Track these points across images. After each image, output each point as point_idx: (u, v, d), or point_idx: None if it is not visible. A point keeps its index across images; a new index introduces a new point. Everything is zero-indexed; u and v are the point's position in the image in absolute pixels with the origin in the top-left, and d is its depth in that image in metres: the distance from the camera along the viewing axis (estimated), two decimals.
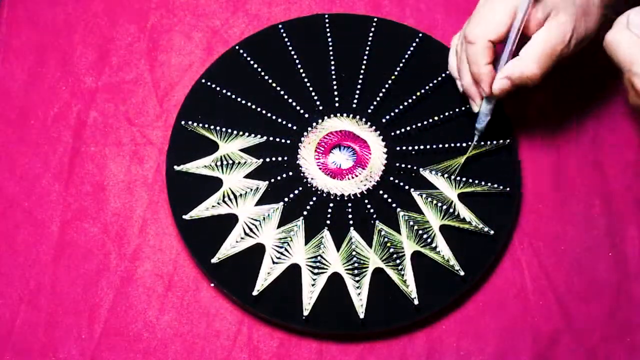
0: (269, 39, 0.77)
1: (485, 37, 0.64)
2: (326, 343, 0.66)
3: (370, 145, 0.72)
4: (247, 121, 0.73)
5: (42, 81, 0.76)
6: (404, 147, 0.72)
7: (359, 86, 0.74)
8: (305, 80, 0.75)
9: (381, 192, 0.70)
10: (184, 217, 0.68)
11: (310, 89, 0.74)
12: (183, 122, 0.72)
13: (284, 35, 0.77)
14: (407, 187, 0.70)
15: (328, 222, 0.68)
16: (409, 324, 0.66)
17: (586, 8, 0.64)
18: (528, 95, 0.75)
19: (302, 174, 0.71)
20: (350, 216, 0.69)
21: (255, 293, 0.65)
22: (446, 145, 0.71)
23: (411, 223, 0.68)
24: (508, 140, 0.72)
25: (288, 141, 0.72)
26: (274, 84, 0.74)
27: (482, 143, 0.71)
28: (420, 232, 0.68)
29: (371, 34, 0.77)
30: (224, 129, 0.72)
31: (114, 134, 0.74)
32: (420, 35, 0.77)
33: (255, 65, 0.75)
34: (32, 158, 0.73)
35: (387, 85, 0.74)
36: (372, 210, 0.69)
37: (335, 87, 0.75)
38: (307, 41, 0.77)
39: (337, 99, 0.74)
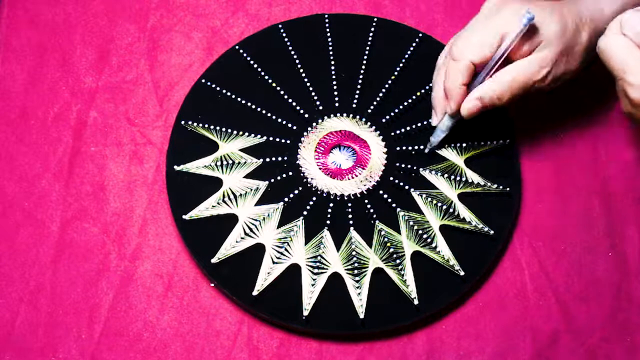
0: (269, 39, 0.77)
1: (471, 58, 0.64)
2: (326, 343, 0.66)
3: (370, 145, 0.72)
4: (247, 121, 0.73)
5: (42, 81, 0.76)
6: (404, 147, 0.72)
7: (359, 86, 0.74)
8: (305, 80, 0.75)
9: (381, 192, 0.70)
10: (184, 217, 0.68)
11: (310, 89, 0.74)
12: (183, 122, 0.72)
13: (284, 35, 0.77)
14: (407, 187, 0.70)
15: (328, 222, 0.68)
16: (409, 324, 0.66)
17: (571, 49, 0.64)
18: (529, 95, 0.75)
19: (302, 174, 0.71)
20: (350, 216, 0.69)
21: (255, 293, 0.65)
22: (446, 145, 0.71)
23: (411, 223, 0.68)
24: (508, 140, 0.72)
25: (288, 141, 0.72)
26: (274, 84, 0.74)
27: (482, 143, 0.71)
28: (420, 232, 0.68)
29: (371, 34, 0.77)
30: (224, 129, 0.72)
31: (114, 134, 0.74)
32: (420, 35, 0.77)
33: (255, 65, 0.75)
34: (32, 158, 0.73)
35: (387, 85, 0.74)
36: (372, 210, 0.69)
37: (335, 87, 0.75)
38: (307, 41, 0.77)
39: (337, 99, 0.74)
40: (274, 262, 0.67)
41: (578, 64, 0.66)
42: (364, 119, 0.73)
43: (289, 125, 0.73)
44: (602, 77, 0.61)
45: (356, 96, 0.74)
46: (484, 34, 0.64)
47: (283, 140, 0.72)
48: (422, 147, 0.71)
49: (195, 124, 0.72)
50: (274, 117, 0.73)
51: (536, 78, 0.64)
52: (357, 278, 0.66)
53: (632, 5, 0.65)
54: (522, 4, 0.64)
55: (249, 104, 0.73)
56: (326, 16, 0.78)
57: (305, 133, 0.72)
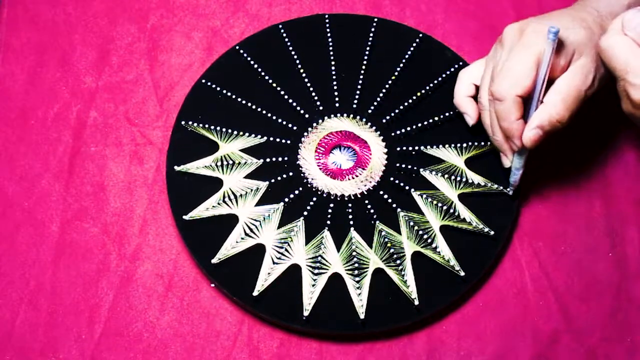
0: (269, 39, 0.77)
1: (513, 92, 0.62)
2: (326, 343, 0.66)
3: (370, 145, 0.72)
4: (247, 121, 0.73)
5: (42, 81, 0.76)
6: (404, 148, 0.72)
7: (359, 86, 0.74)
8: (305, 80, 0.75)
9: (381, 192, 0.70)
10: (184, 217, 0.68)
11: (310, 89, 0.74)
12: (183, 122, 0.72)
13: (284, 35, 0.77)
14: (407, 188, 0.70)
15: (328, 222, 0.68)
16: (409, 324, 0.66)
17: None
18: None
19: (302, 174, 0.71)
20: (350, 216, 0.69)
21: (255, 293, 0.65)
22: (446, 146, 0.71)
23: (411, 223, 0.68)
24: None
25: (288, 141, 0.72)
26: (274, 84, 0.74)
27: (482, 143, 0.71)
28: (421, 232, 0.68)
29: (371, 34, 0.77)
30: (224, 129, 0.72)
31: (114, 134, 0.74)
32: (420, 35, 0.77)
33: (255, 65, 0.75)
34: (32, 158, 0.73)
35: (387, 85, 0.74)
36: (372, 211, 0.69)
37: (335, 87, 0.75)
38: (307, 41, 0.77)
39: (337, 99, 0.74)
40: (274, 263, 0.67)
41: None
42: (364, 119, 0.73)
43: (289, 125, 0.73)
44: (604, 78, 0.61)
45: (356, 96, 0.74)
46: (518, 66, 0.62)
47: (283, 141, 0.72)
48: (422, 147, 0.72)
49: (195, 124, 0.72)
50: (274, 117, 0.73)
51: (586, 87, 0.63)
52: (357, 278, 0.66)
53: None
54: (539, 21, 0.63)
55: (249, 104, 0.73)
56: (326, 16, 0.78)
57: (305, 133, 0.72)
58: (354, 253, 0.67)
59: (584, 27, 0.63)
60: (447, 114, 0.73)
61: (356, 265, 0.67)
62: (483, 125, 0.68)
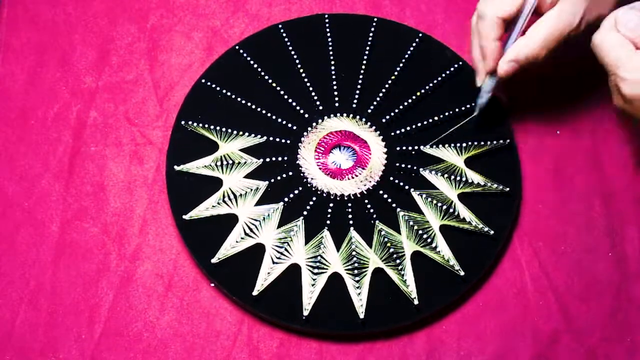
0: (269, 39, 0.77)
1: (494, 13, 0.64)
2: (326, 343, 0.66)
3: (370, 145, 0.72)
4: (247, 121, 0.73)
5: (42, 81, 0.76)
6: (404, 147, 0.72)
7: (359, 86, 0.74)
8: (305, 80, 0.75)
9: (381, 192, 0.70)
10: (184, 217, 0.68)
11: (310, 89, 0.74)
12: (183, 122, 0.72)
13: (284, 35, 0.77)
14: (407, 187, 0.70)
15: (328, 222, 0.68)
16: (409, 324, 0.66)
17: None
18: (529, 95, 0.75)
19: (302, 174, 0.71)
20: (350, 216, 0.69)
21: (255, 293, 0.65)
22: (446, 145, 0.71)
23: (411, 223, 0.68)
24: (508, 140, 0.72)
25: (288, 141, 0.72)
26: (274, 84, 0.74)
27: (482, 143, 0.71)
28: (420, 232, 0.68)
29: (371, 34, 0.77)
30: (224, 129, 0.72)
31: (114, 134, 0.74)
32: (420, 35, 0.77)
33: (255, 65, 0.75)
34: (32, 158, 0.73)
35: (387, 85, 0.74)
36: (372, 210, 0.69)
37: (335, 87, 0.75)
38: (307, 41, 0.77)
39: (337, 99, 0.74)
40: (274, 262, 0.67)
41: (611, 6, 0.64)
42: (364, 119, 0.73)
43: (289, 125, 0.73)
44: (603, 78, 0.61)
45: (356, 96, 0.74)
46: None
47: (283, 140, 0.72)
48: (422, 147, 0.72)
49: (195, 124, 0.72)
50: (274, 117, 0.73)
51: (570, 28, 0.63)
52: (357, 278, 0.66)
53: None
54: None
55: (249, 104, 0.73)
56: (326, 16, 0.78)
57: (305, 133, 0.72)
58: (353, 253, 0.67)
59: None
60: (447, 114, 0.73)
61: (356, 265, 0.66)
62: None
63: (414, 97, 0.74)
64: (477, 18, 0.66)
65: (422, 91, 0.74)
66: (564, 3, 0.63)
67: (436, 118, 0.73)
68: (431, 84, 0.74)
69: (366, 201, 0.70)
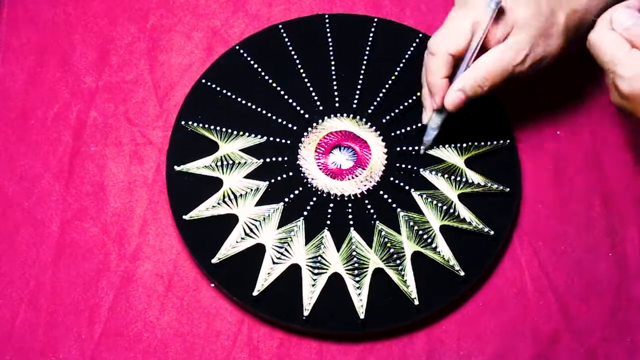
0: (269, 39, 0.77)
1: (446, 49, 0.64)
2: (326, 343, 0.66)
3: (370, 145, 0.72)
4: (247, 121, 0.73)
5: (42, 81, 0.76)
6: (404, 147, 0.72)
7: (359, 86, 0.74)
8: (305, 80, 0.75)
9: (381, 192, 0.70)
10: (184, 217, 0.68)
11: (310, 89, 0.74)
12: (183, 122, 0.72)
13: (284, 35, 0.77)
14: (407, 188, 0.70)
15: (328, 222, 0.68)
16: (409, 324, 0.66)
17: (547, 31, 0.64)
18: (529, 95, 0.75)
19: (302, 174, 0.71)
20: (350, 216, 0.69)
21: (255, 293, 0.65)
22: (446, 146, 0.71)
23: (411, 223, 0.68)
24: (508, 141, 0.72)
25: (288, 141, 0.72)
26: (274, 84, 0.74)
27: (482, 143, 0.71)
28: (421, 232, 0.68)
29: (371, 34, 0.77)
30: (224, 129, 0.72)
31: (114, 134, 0.74)
32: (420, 35, 0.77)
33: (255, 65, 0.75)
34: (32, 158, 0.73)
35: (387, 85, 0.74)
36: (372, 211, 0.69)
37: (335, 87, 0.75)
38: (307, 41, 0.77)
39: (337, 99, 0.74)
40: (274, 263, 0.67)
41: (557, 47, 0.65)
42: (364, 119, 0.73)
43: (289, 125, 0.73)
44: (603, 78, 0.61)
45: (356, 96, 0.74)
46: (457, 25, 0.65)
47: (283, 141, 0.72)
48: (421, 147, 0.71)
49: (195, 124, 0.72)
50: (274, 117, 0.73)
51: (515, 63, 0.64)
52: (357, 278, 0.66)
53: None
54: None
55: (249, 104, 0.73)
56: (326, 16, 0.78)
57: (305, 133, 0.72)
58: (353, 253, 0.67)
59: (533, 5, 0.64)
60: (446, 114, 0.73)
61: (356, 265, 0.67)
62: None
63: (414, 97, 0.74)
64: (427, 55, 0.67)
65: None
66: (510, 39, 0.64)
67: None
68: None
69: (366, 201, 0.70)
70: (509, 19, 0.64)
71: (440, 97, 0.66)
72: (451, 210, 0.69)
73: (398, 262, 0.67)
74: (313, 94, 0.74)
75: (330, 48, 0.76)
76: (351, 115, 0.73)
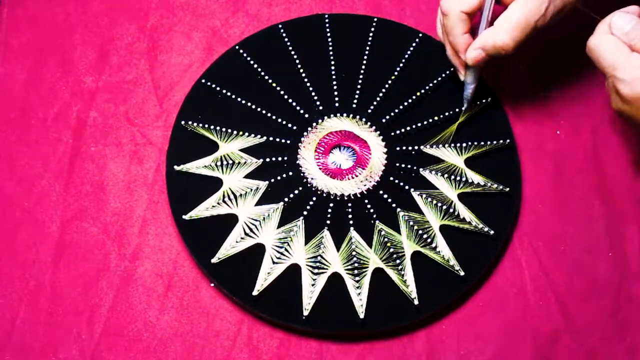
0: (269, 39, 0.77)
1: (457, 8, 0.65)
2: (326, 343, 0.66)
3: (370, 145, 0.72)
4: (247, 121, 0.73)
5: (42, 81, 0.76)
6: (404, 147, 0.72)
7: (359, 86, 0.74)
8: (305, 80, 0.75)
9: (381, 192, 0.70)
10: (184, 217, 0.68)
11: (310, 89, 0.74)
12: (183, 122, 0.72)
13: (284, 35, 0.77)
14: (407, 187, 0.70)
15: (328, 222, 0.68)
16: (409, 324, 0.66)
17: None
18: (529, 95, 0.75)
19: (302, 174, 0.71)
20: (350, 216, 0.69)
21: (255, 293, 0.65)
22: (446, 145, 0.71)
23: (411, 223, 0.68)
24: (508, 140, 0.72)
25: (288, 141, 0.72)
26: (274, 84, 0.74)
27: (482, 143, 0.71)
28: (420, 232, 0.68)
29: (371, 34, 0.77)
30: (224, 129, 0.72)
31: (114, 134, 0.74)
32: (420, 35, 0.77)
33: (255, 65, 0.75)
34: (32, 158, 0.73)
35: (387, 85, 0.74)
36: (372, 210, 0.69)
37: (335, 87, 0.75)
38: (307, 41, 0.77)
39: (337, 99, 0.74)
40: (274, 262, 0.67)
41: None
42: (364, 119, 0.73)
43: (289, 125, 0.73)
44: (602, 77, 0.61)
45: (356, 96, 0.74)
46: None
47: (283, 140, 0.72)
48: (422, 147, 0.72)
49: (195, 124, 0.72)
50: (274, 117, 0.73)
51: (536, 17, 0.63)
52: (357, 278, 0.66)
53: None
54: None
55: (249, 104, 0.73)
56: (326, 16, 0.78)
57: (305, 133, 0.72)
58: (353, 253, 0.67)
59: None
60: (447, 114, 0.73)
61: (356, 265, 0.67)
62: (438, 33, 0.72)
63: (414, 97, 0.74)
64: (442, 16, 0.67)
65: (422, 91, 0.74)
66: None
67: (436, 118, 0.73)
68: (431, 84, 0.74)
69: (366, 201, 0.70)
70: None
71: (464, 54, 0.66)
72: (451, 210, 0.69)
73: (398, 262, 0.67)
74: (313, 93, 0.74)
75: (330, 48, 0.76)
76: (351, 115, 0.73)
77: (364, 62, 0.76)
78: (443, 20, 0.67)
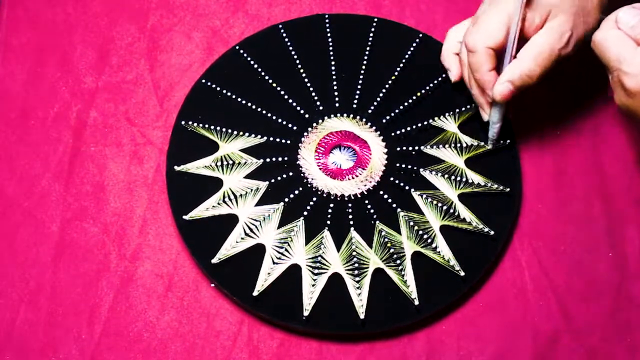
0: (269, 39, 0.77)
1: (484, 44, 0.65)
2: (326, 343, 0.66)
3: (370, 145, 0.72)
4: (247, 121, 0.73)
5: (42, 81, 0.76)
6: (404, 148, 0.72)
7: (359, 86, 0.74)
8: (305, 80, 0.75)
9: (381, 192, 0.70)
10: (184, 217, 0.68)
11: (310, 89, 0.74)
12: (183, 122, 0.72)
13: (284, 35, 0.77)
14: (407, 188, 0.70)
15: (328, 222, 0.68)
16: (409, 324, 0.66)
17: (584, 8, 0.65)
18: (528, 95, 0.75)
19: (302, 174, 0.71)
20: (350, 216, 0.69)
21: (255, 293, 0.65)
22: (446, 145, 0.71)
23: (411, 223, 0.68)
24: (508, 141, 0.72)
25: (288, 141, 0.72)
26: (274, 84, 0.74)
27: (482, 143, 0.71)
28: (421, 232, 0.68)
29: (371, 34, 0.77)
30: (224, 129, 0.72)
31: (114, 134, 0.74)
32: (420, 35, 0.77)
33: (255, 65, 0.75)
34: (32, 158, 0.73)
35: (387, 85, 0.74)
36: (372, 211, 0.69)
37: (335, 87, 0.75)
38: (307, 41, 0.77)
39: (337, 99, 0.74)
40: (274, 263, 0.67)
41: (595, 21, 0.66)
42: (364, 119, 0.73)
43: (289, 125, 0.73)
44: (602, 77, 0.61)
45: (356, 96, 0.74)
46: (491, 19, 0.65)
47: (283, 141, 0.72)
48: (422, 147, 0.72)
49: (195, 124, 0.72)
50: (274, 117, 0.73)
51: (559, 46, 0.64)
52: (357, 278, 0.66)
53: None
54: None
55: (249, 104, 0.73)
56: (326, 16, 0.78)
57: (305, 133, 0.72)
58: (353, 253, 0.67)
59: None
60: (447, 114, 0.73)
61: (356, 265, 0.67)
62: (442, 60, 0.72)
63: (414, 97, 0.74)
64: (467, 53, 0.67)
65: (422, 91, 0.74)
66: (550, 23, 0.64)
67: (436, 118, 0.73)
68: (431, 84, 0.74)
69: (366, 201, 0.70)
70: (543, 6, 0.64)
71: (491, 91, 0.66)
72: (451, 210, 0.69)
73: (398, 262, 0.67)
74: (313, 94, 0.74)
75: (330, 48, 0.76)
76: (351, 115, 0.73)
77: (364, 62, 0.76)
78: (469, 58, 0.66)
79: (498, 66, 0.66)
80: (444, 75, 0.74)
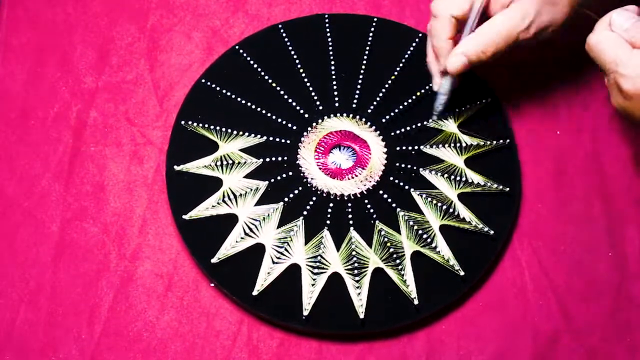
0: (269, 39, 0.77)
1: (448, 11, 0.65)
2: (326, 343, 0.66)
3: (370, 145, 0.72)
4: (247, 121, 0.73)
5: (42, 81, 0.76)
6: (404, 147, 0.72)
7: (359, 86, 0.74)
8: (305, 80, 0.75)
9: (381, 192, 0.70)
10: (184, 217, 0.68)
11: (310, 89, 0.74)
12: (183, 122, 0.72)
13: (284, 35, 0.77)
14: (407, 187, 0.70)
15: (328, 222, 0.68)
16: (409, 324, 0.66)
17: None
18: (529, 95, 0.75)
19: (302, 174, 0.71)
20: (350, 216, 0.69)
21: (255, 293, 0.65)
22: (446, 145, 0.71)
23: (411, 223, 0.68)
24: (508, 140, 0.72)
25: (288, 141, 0.72)
26: (274, 84, 0.74)
27: (482, 143, 0.71)
28: (420, 232, 0.68)
29: (371, 34, 0.77)
30: (224, 129, 0.72)
31: (114, 134, 0.74)
32: (420, 35, 0.77)
33: (255, 65, 0.75)
34: (32, 158, 0.73)
35: (387, 85, 0.74)
36: (372, 210, 0.69)
37: (335, 87, 0.75)
38: (307, 41, 0.77)
39: (337, 99, 0.74)
40: (274, 262, 0.67)
41: (563, 15, 0.65)
42: (364, 119, 0.73)
43: (289, 125, 0.73)
44: (603, 77, 0.61)
45: (356, 96, 0.74)
46: None
47: (283, 140, 0.72)
48: (422, 147, 0.72)
49: (195, 124, 0.72)
50: (274, 117, 0.73)
51: (519, 29, 0.64)
52: (357, 278, 0.66)
53: None
54: None
55: (249, 104, 0.74)
56: (326, 16, 0.78)
57: (305, 133, 0.72)
58: (353, 253, 0.67)
59: None
60: (446, 114, 0.73)
61: (356, 264, 0.67)
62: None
63: (414, 97, 0.74)
64: (431, 18, 0.67)
65: (422, 91, 0.74)
66: (515, 4, 0.64)
67: (437, 118, 0.72)
68: (431, 84, 0.74)
69: (366, 201, 0.70)
70: None
71: (445, 59, 0.66)
72: (451, 210, 0.69)
73: (398, 261, 0.67)
74: (313, 94, 0.74)
75: (330, 48, 0.76)
76: (351, 115, 0.73)
77: (364, 62, 0.76)
78: (431, 23, 0.67)
79: (458, 38, 0.66)
80: None
